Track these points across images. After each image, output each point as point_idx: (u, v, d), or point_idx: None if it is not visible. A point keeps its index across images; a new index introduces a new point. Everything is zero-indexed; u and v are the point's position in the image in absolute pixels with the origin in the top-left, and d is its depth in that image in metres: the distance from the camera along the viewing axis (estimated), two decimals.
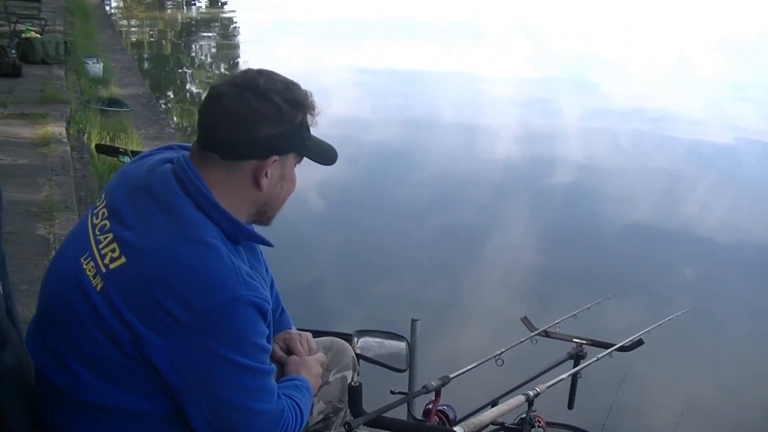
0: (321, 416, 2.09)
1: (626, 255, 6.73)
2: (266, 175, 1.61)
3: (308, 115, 1.66)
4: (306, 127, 1.66)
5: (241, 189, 1.62)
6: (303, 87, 1.66)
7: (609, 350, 2.55)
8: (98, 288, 1.51)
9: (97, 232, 1.58)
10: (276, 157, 1.61)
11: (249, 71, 1.63)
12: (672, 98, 14.08)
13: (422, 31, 23.55)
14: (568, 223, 7.47)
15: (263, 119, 1.57)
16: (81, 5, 18.03)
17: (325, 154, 1.74)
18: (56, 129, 6.88)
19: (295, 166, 1.70)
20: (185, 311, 1.44)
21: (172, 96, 13.23)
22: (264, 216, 1.71)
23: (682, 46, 22.99)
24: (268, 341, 1.61)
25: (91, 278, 1.53)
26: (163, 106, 11.51)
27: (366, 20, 24.53)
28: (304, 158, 1.72)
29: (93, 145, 6.94)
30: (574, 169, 9.18)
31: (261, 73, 1.62)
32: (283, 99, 1.59)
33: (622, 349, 2.57)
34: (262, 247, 1.88)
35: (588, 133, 11.27)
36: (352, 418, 1.80)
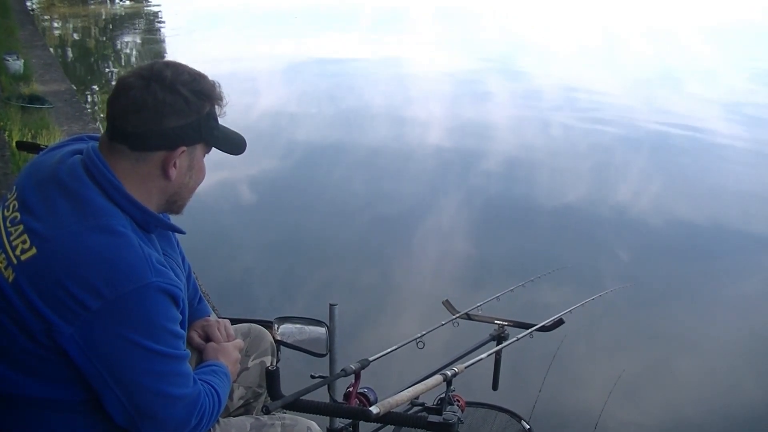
0: (242, 401, 2.13)
1: (556, 239, 6.81)
2: (175, 165, 1.64)
3: (216, 106, 1.69)
4: (213, 118, 1.68)
5: (150, 179, 1.64)
6: (210, 78, 1.69)
7: (529, 330, 2.56)
8: (10, 279, 1.52)
9: (8, 224, 1.58)
10: (184, 148, 1.64)
11: (156, 63, 1.65)
12: (602, 83, 14.26)
13: (352, 19, 23.53)
14: (499, 209, 7.54)
15: (170, 110, 1.59)
16: None
17: (233, 144, 1.77)
18: None
19: (203, 156, 1.73)
20: (95, 299, 1.46)
21: (97, 92, 12.96)
22: (174, 205, 1.74)
23: (612, 31, 23.37)
24: (182, 327, 1.64)
25: (2, 270, 1.54)
26: (88, 102, 11.29)
27: (293, 9, 24.37)
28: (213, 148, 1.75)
29: (14, 143, 6.78)
30: (504, 155, 9.25)
31: (168, 65, 1.64)
32: (190, 90, 1.61)
33: (542, 329, 2.58)
34: (180, 238, 1.90)
35: (518, 119, 11.35)
36: (271, 401, 1.82)
